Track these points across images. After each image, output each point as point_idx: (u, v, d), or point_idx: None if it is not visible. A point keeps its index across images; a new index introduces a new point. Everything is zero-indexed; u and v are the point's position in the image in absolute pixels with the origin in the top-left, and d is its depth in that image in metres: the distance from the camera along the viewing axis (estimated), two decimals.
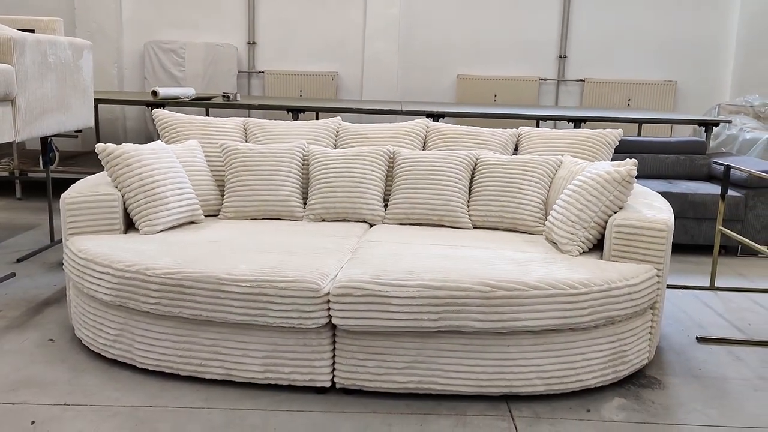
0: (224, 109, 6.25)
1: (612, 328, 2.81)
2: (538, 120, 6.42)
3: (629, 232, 2.98)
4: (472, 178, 3.75)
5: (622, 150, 5.58)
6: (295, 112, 6.00)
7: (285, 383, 2.76)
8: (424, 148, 4.08)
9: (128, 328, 2.87)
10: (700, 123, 5.99)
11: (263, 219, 3.70)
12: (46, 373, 2.87)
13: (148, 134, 7.98)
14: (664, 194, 5.03)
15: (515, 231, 3.59)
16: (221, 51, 7.80)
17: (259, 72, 8.00)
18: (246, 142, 4.09)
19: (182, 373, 2.82)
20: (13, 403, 2.62)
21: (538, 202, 3.56)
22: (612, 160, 4.84)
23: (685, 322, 3.75)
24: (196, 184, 3.69)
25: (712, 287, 4.32)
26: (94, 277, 2.88)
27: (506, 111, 6.12)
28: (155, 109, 4.11)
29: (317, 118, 6.50)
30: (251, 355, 2.75)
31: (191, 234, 3.30)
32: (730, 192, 5.11)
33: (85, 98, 4.84)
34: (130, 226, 3.40)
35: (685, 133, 7.65)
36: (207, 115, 7.12)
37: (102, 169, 6.20)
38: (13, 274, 4.14)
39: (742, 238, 4.09)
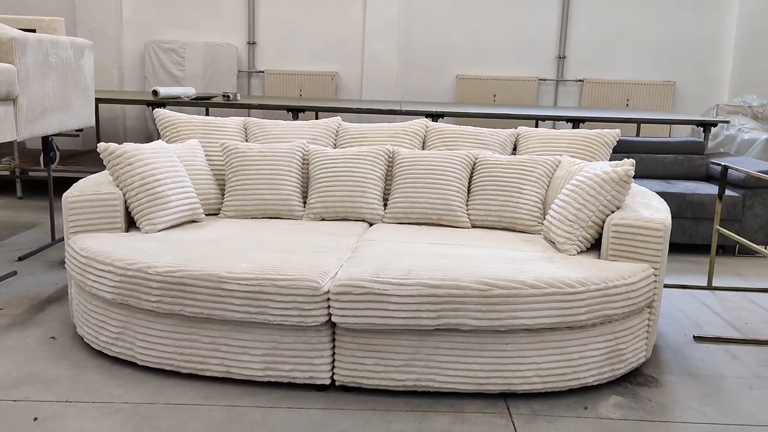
0: (224, 108, 6.28)
1: (609, 327, 2.84)
2: (537, 120, 6.44)
3: (626, 231, 3.00)
4: (471, 177, 3.77)
5: (621, 150, 5.61)
6: (295, 112, 6.02)
7: (285, 381, 2.78)
8: (423, 148, 4.10)
9: (129, 326, 2.89)
10: (699, 123, 6.02)
11: (263, 218, 3.73)
12: (48, 370, 2.89)
13: (148, 133, 8.00)
14: (663, 194, 5.06)
15: (514, 230, 3.61)
16: (221, 51, 7.82)
17: (259, 72, 8.02)
18: (246, 141, 4.12)
19: (183, 371, 2.85)
20: (15, 400, 2.64)
21: (537, 202, 3.58)
22: (610, 160, 4.87)
23: (683, 321, 3.77)
24: (197, 183, 3.72)
25: (709, 287, 4.35)
26: (95, 275, 2.91)
27: (505, 111, 6.14)
28: (156, 109, 4.14)
29: (317, 118, 6.53)
30: (251, 352, 2.77)
31: (192, 233, 3.32)
32: (728, 192, 5.14)
33: (86, 97, 4.87)
34: (131, 224, 3.42)
35: (683, 134, 7.68)
36: (207, 114, 7.14)
37: (102, 168, 6.23)
38: (15, 273, 4.17)
39: (739, 237, 4.12)
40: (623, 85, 7.86)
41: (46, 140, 5.02)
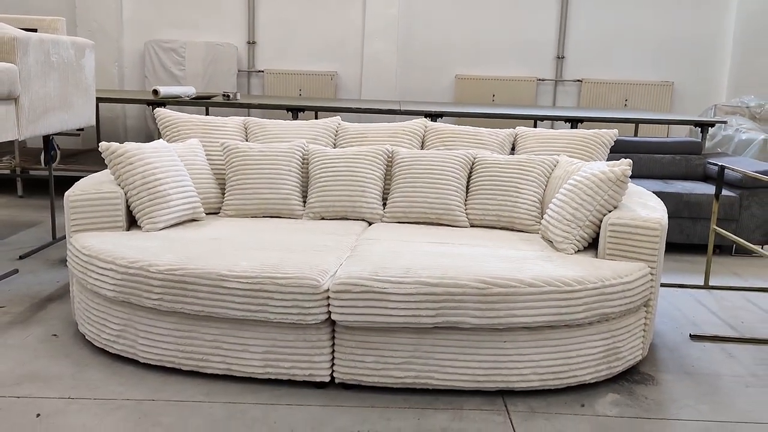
0: (224, 108, 6.30)
1: (606, 325, 2.86)
2: (536, 120, 6.47)
3: (623, 230, 3.03)
4: (470, 177, 3.80)
5: (619, 150, 5.64)
6: (295, 112, 6.05)
7: (285, 378, 2.81)
8: (422, 148, 4.13)
9: (131, 323, 2.92)
10: (696, 123, 6.05)
11: (263, 217, 3.75)
12: (51, 368, 2.92)
13: (149, 132, 8.03)
14: (660, 194, 5.09)
15: (512, 229, 3.64)
16: (221, 50, 7.85)
17: (259, 71, 8.05)
18: (246, 141, 4.14)
19: (184, 368, 2.87)
20: (18, 397, 2.67)
21: (535, 201, 3.61)
22: (608, 159, 4.90)
23: (680, 320, 3.80)
24: (198, 182, 3.74)
25: (706, 286, 4.37)
26: (97, 273, 2.93)
27: (504, 111, 6.17)
28: (157, 108, 4.16)
29: (316, 118, 6.56)
30: (252, 350, 2.80)
31: (193, 231, 3.35)
32: (725, 192, 5.17)
33: (87, 97, 4.89)
34: (132, 223, 3.45)
35: (681, 134, 7.71)
36: (207, 114, 7.16)
37: (103, 167, 6.25)
38: (16, 271, 4.19)
39: (736, 237, 4.14)
40: (621, 85, 7.89)
41: (47, 139, 5.04)
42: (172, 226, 3.43)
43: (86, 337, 3.15)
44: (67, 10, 7.79)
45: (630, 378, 3.03)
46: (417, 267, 2.79)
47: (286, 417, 2.60)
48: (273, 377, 2.82)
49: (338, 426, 2.55)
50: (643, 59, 7.92)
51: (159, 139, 4.31)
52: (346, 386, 2.84)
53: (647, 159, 5.64)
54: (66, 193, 3.27)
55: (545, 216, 3.41)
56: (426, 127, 4.17)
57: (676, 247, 5.37)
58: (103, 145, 3.36)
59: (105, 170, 3.66)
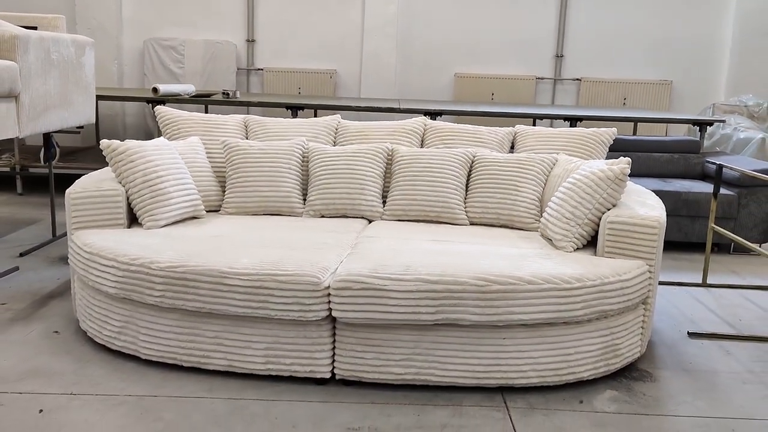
0: (223, 106, 6.31)
1: (605, 322, 2.88)
2: (535, 119, 6.49)
3: (622, 228, 3.05)
4: (469, 175, 3.82)
5: (618, 149, 5.66)
6: (294, 110, 6.06)
7: (286, 374, 2.83)
8: (421, 146, 4.15)
9: (133, 320, 2.93)
10: (695, 122, 6.07)
11: (264, 214, 3.77)
12: (52, 364, 2.94)
13: (148, 130, 8.03)
14: (659, 192, 5.11)
15: (511, 227, 3.66)
16: (220, 48, 7.85)
17: (258, 69, 8.05)
18: (247, 139, 4.16)
19: (185, 364, 2.89)
20: (20, 393, 2.68)
21: (534, 200, 3.63)
22: (607, 158, 4.92)
23: (678, 317, 3.82)
24: (198, 180, 3.76)
25: (704, 284, 4.40)
26: (99, 270, 2.95)
27: (503, 110, 6.19)
28: (158, 106, 4.17)
29: (316, 116, 6.57)
30: (253, 346, 2.81)
31: (193, 229, 3.36)
32: (723, 191, 5.19)
33: (87, 95, 4.90)
34: (133, 220, 3.46)
35: (679, 133, 7.73)
36: (206, 112, 7.18)
37: (102, 164, 6.26)
38: (17, 268, 4.20)
39: (734, 236, 4.17)
40: (620, 84, 7.90)
41: (47, 137, 5.05)
42: (173, 223, 3.45)
43: (88, 334, 3.17)
44: (67, 7, 7.80)
45: (628, 375, 3.05)
46: (417, 264, 2.80)
47: (287, 413, 2.62)
48: (274, 373, 2.83)
49: (339, 422, 2.57)
50: (642, 58, 7.94)
51: (158, 136, 4.32)
52: (346, 383, 2.86)
53: (646, 158, 5.66)
54: (67, 191, 3.28)
55: (544, 214, 3.43)
56: (426, 125, 4.19)
57: (674, 245, 5.40)
58: (104, 142, 3.37)
59: (106, 168, 3.68)
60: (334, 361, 2.83)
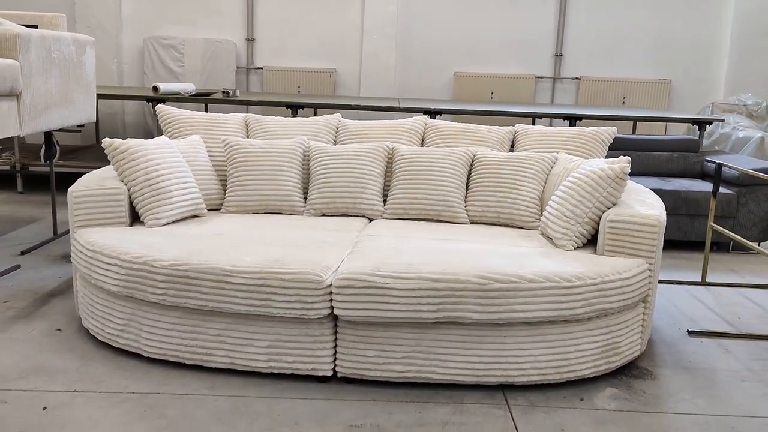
0: (222, 104, 6.32)
1: (605, 320, 2.90)
2: (534, 117, 6.50)
3: (622, 227, 3.06)
4: (470, 174, 3.83)
5: (617, 147, 5.67)
6: (294, 109, 6.07)
7: (288, 372, 2.84)
8: (422, 145, 4.16)
9: (135, 318, 2.95)
10: (694, 121, 6.09)
11: (264, 213, 3.78)
12: (55, 362, 2.95)
13: (147, 129, 8.04)
14: (658, 191, 5.12)
15: (511, 226, 3.67)
16: (220, 47, 7.86)
17: (258, 68, 8.06)
18: (247, 137, 4.17)
19: (188, 362, 2.90)
20: (24, 390, 2.70)
21: (534, 198, 3.64)
22: (606, 157, 4.93)
23: (677, 316, 3.84)
24: (199, 178, 3.77)
25: (703, 282, 4.42)
26: (102, 268, 2.96)
27: (502, 108, 6.20)
28: (159, 105, 4.18)
29: (315, 115, 6.58)
30: (255, 344, 2.83)
31: (195, 227, 3.37)
32: (722, 189, 5.21)
33: (87, 93, 4.91)
34: (135, 219, 3.47)
35: (679, 132, 7.75)
36: (206, 110, 7.18)
37: (101, 163, 6.27)
38: (18, 266, 4.21)
39: (733, 234, 4.19)
40: (620, 83, 7.92)
41: (48, 135, 5.06)
42: (174, 221, 3.46)
43: (90, 332, 3.18)
44: (67, 6, 7.80)
45: (628, 372, 3.06)
46: (418, 263, 2.82)
47: (289, 410, 2.63)
48: (276, 371, 2.85)
49: (341, 419, 2.58)
50: (642, 57, 7.96)
51: (158, 135, 4.33)
52: (348, 380, 2.87)
53: (645, 156, 5.68)
54: (70, 189, 3.29)
55: (545, 213, 3.44)
56: (426, 124, 4.20)
57: (673, 244, 5.41)
58: (106, 141, 3.38)
59: (108, 166, 3.69)
60: (335, 359, 2.84)
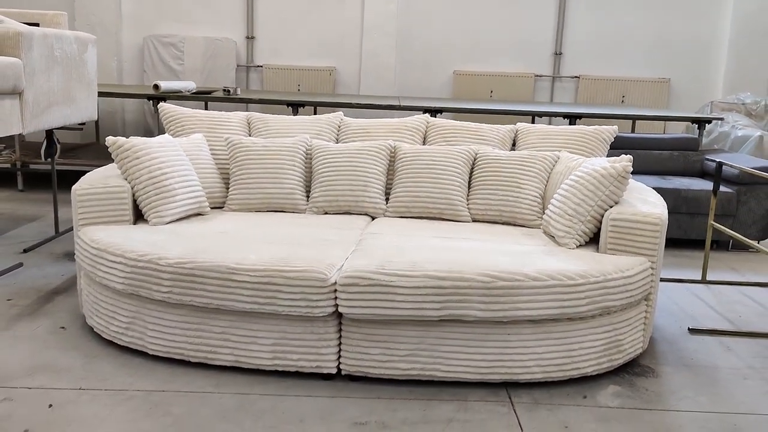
0: (223, 102, 6.32)
1: (608, 318, 2.92)
2: (534, 116, 6.52)
3: (624, 226, 3.08)
4: (472, 172, 3.84)
5: (617, 146, 5.69)
6: (295, 107, 6.08)
7: (292, 370, 2.85)
8: (424, 143, 4.17)
9: (140, 316, 2.96)
10: (693, 120, 6.10)
11: (267, 211, 3.79)
12: (60, 359, 2.96)
13: (147, 127, 8.04)
14: (658, 190, 5.14)
15: (514, 224, 3.69)
16: (220, 45, 7.86)
17: (258, 66, 8.06)
18: (250, 136, 4.17)
19: (193, 360, 2.91)
20: (29, 388, 2.71)
21: (536, 197, 3.65)
22: (607, 156, 4.95)
23: (678, 314, 3.86)
24: (202, 176, 3.77)
25: (704, 281, 4.44)
26: (106, 266, 2.97)
27: (502, 107, 6.21)
28: (161, 103, 4.19)
29: (315, 113, 6.59)
30: (260, 342, 2.84)
31: (199, 225, 3.38)
32: (722, 188, 5.23)
33: (89, 91, 4.91)
34: (138, 217, 3.48)
35: (678, 130, 7.77)
36: (206, 108, 7.18)
37: (101, 161, 6.27)
38: (21, 264, 4.22)
39: (733, 232, 4.20)
40: (619, 81, 7.94)
41: (49, 133, 5.06)
42: (177, 220, 3.47)
43: (95, 330, 3.19)
44: (66, 4, 7.79)
45: (631, 370, 3.08)
46: (422, 261, 2.83)
47: (294, 408, 2.64)
48: (281, 369, 2.86)
49: (346, 416, 2.60)
50: (641, 56, 7.97)
51: (158, 133, 4.33)
52: (352, 378, 2.89)
53: (645, 155, 5.70)
54: (73, 187, 3.30)
55: (547, 211, 3.45)
56: (428, 123, 4.21)
57: (674, 242, 5.43)
58: (110, 139, 3.39)
59: (111, 164, 3.69)
60: (340, 356, 2.86)
